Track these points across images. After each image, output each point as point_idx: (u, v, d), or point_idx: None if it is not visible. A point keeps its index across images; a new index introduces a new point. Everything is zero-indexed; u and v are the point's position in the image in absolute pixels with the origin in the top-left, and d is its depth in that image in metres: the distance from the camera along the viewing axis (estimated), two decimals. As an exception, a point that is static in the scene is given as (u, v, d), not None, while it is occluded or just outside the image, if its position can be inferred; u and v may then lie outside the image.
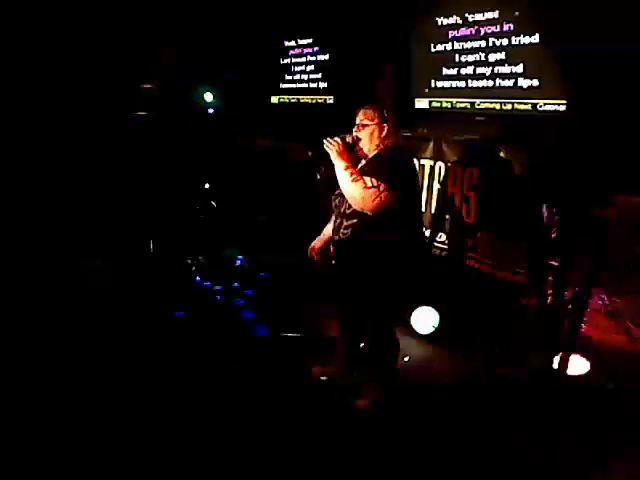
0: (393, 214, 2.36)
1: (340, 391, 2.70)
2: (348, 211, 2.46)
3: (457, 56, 3.64)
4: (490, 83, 3.44)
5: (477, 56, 3.50)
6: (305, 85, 5.16)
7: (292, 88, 5.33)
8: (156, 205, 4.62)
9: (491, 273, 3.33)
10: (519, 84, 3.26)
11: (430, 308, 3.44)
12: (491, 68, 3.42)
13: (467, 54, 3.57)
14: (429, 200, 3.78)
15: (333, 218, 2.65)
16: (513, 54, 3.27)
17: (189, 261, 4.50)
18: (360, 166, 2.52)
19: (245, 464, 2.22)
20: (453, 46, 3.66)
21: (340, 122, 2.78)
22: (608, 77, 2.75)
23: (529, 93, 3.21)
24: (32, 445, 2.23)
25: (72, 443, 2.27)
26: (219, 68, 5.63)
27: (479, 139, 3.46)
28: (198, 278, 4.21)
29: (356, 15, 4.40)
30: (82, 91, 4.99)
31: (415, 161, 3.35)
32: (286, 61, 5.36)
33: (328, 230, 2.77)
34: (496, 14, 3.34)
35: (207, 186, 5.43)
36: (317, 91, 5.01)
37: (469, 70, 3.57)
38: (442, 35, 3.72)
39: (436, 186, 3.74)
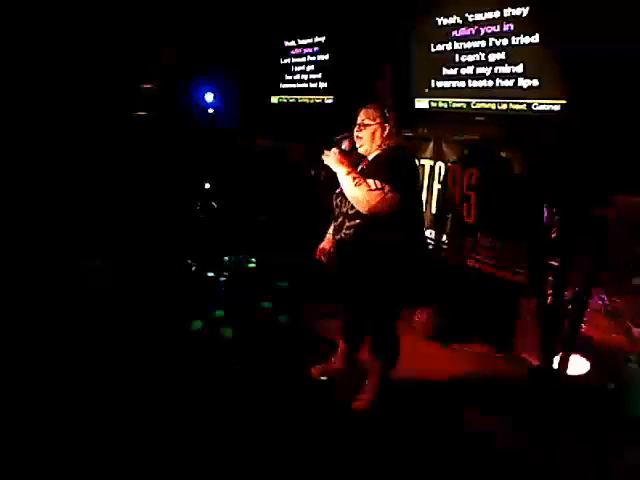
0: (396, 214, 2.36)
1: (340, 391, 2.70)
2: (351, 211, 2.46)
3: (457, 56, 3.64)
4: (490, 83, 3.44)
5: (477, 56, 3.50)
6: (305, 85, 5.16)
7: (292, 88, 5.33)
8: (156, 205, 4.62)
9: (491, 273, 3.33)
10: (519, 84, 3.26)
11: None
12: (491, 68, 3.42)
13: (467, 54, 3.57)
14: (429, 200, 3.78)
15: (334, 218, 2.65)
16: (513, 54, 3.27)
17: (189, 261, 4.50)
18: (361, 167, 2.52)
19: (245, 464, 2.22)
20: (453, 46, 3.66)
21: (340, 122, 2.79)
22: (608, 77, 2.75)
23: (529, 93, 3.21)
24: (32, 445, 2.23)
25: (72, 443, 2.27)
26: (219, 68, 5.63)
27: (479, 139, 3.46)
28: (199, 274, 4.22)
29: (356, 15, 4.40)
30: (82, 91, 4.99)
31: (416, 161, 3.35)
32: (286, 61, 5.36)
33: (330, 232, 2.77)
34: (496, 14, 3.34)
35: (207, 186, 5.43)
36: (317, 91, 5.01)
37: (469, 70, 3.57)
38: (442, 35, 3.72)
39: (436, 186, 3.74)
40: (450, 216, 3.65)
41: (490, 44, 3.40)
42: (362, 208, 2.38)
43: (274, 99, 5.58)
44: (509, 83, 3.32)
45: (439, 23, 3.73)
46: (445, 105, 3.78)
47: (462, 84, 3.64)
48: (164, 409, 2.52)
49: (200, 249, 4.61)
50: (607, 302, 2.85)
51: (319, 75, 4.98)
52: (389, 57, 4.23)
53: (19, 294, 3.50)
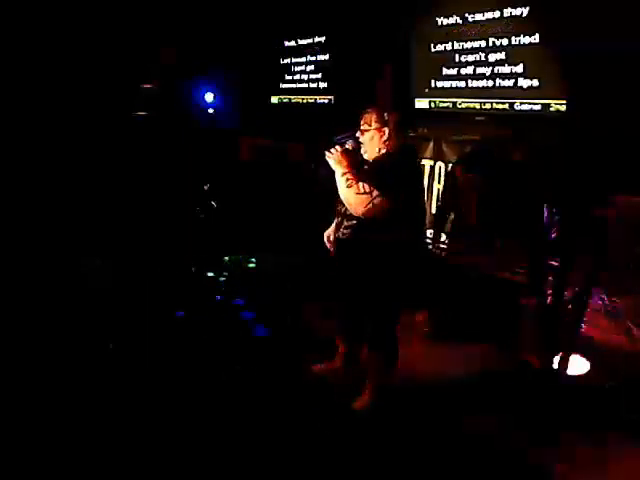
0: (391, 216, 2.35)
1: (340, 391, 2.70)
2: (348, 212, 2.47)
3: (457, 56, 3.64)
4: (490, 83, 3.44)
5: (477, 56, 3.50)
6: (305, 85, 5.16)
7: (292, 88, 5.33)
8: (156, 205, 4.62)
9: (491, 273, 3.33)
10: (519, 84, 3.26)
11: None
12: (491, 68, 3.42)
13: (467, 54, 3.57)
14: (429, 200, 3.78)
15: (335, 216, 2.66)
16: (513, 54, 3.27)
17: (189, 261, 4.51)
18: (362, 169, 2.53)
19: (244, 464, 2.22)
20: (453, 46, 3.66)
21: (340, 122, 2.79)
22: (608, 77, 2.75)
23: (529, 93, 3.21)
24: (32, 445, 2.23)
25: (72, 443, 2.27)
26: (219, 68, 5.63)
27: (479, 139, 3.46)
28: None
29: (356, 15, 4.40)
30: (82, 91, 4.99)
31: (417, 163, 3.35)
32: (286, 61, 5.36)
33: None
34: (496, 14, 3.34)
35: (207, 186, 5.43)
36: (317, 91, 5.01)
37: (469, 70, 3.57)
38: (442, 35, 3.72)
39: (436, 186, 3.74)
40: (450, 216, 3.65)
41: (490, 44, 3.40)
42: (351, 210, 2.41)
43: (274, 99, 5.58)
44: (509, 83, 3.32)
45: (439, 23, 3.73)
46: (445, 105, 3.78)
47: (462, 84, 3.64)
48: (164, 409, 2.52)
49: (200, 249, 4.61)
50: (607, 302, 2.85)
51: (319, 75, 4.98)
52: (389, 57, 4.23)
53: (19, 293, 3.50)
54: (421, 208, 2.74)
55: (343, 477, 2.21)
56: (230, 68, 5.65)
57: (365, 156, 2.53)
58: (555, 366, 2.82)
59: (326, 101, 4.91)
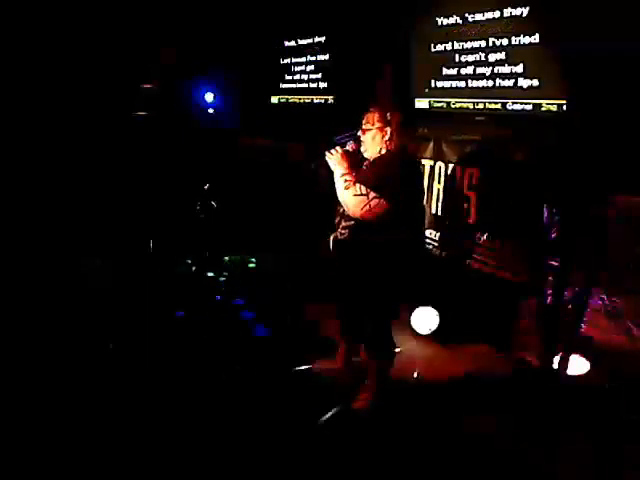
0: (388, 217, 2.35)
1: (340, 391, 2.70)
2: (346, 212, 2.47)
3: (457, 56, 3.64)
4: (490, 83, 3.44)
5: (477, 56, 3.50)
6: (305, 85, 5.16)
7: (292, 88, 5.33)
8: (156, 205, 4.62)
9: (491, 273, 3.33)
10: (519, 84, 3.25)
11: (431, 309, 3.44)
12: (491, 68, 3.42)
13: (467, 54, 3.57)
14: (429, 200, 3.78)
15: (335, 216, 2.66)
16: (513, 54, 3.27)
17: (189, 261, 4.51)
18: (361, 169, 2.53)
19: (244, 464, 2.22)
20: (453, 46, 3.66)
21: (340, 122, 2.79)
22: (608, 77, 2.75)
23: (529, 93, 3.21)
24: (31, 444, 2.23)
25: (71, 443, 2.26)
26: (219, 68, 5.63)
27: (479, 139, 3.46)
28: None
29: (356, 15, 4.40)
30: (82, 91, 4.99)
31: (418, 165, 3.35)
32: (286, 61, 5.36)
33: None
34: (496, 14, 3.33)
35: (207, 186, 5.43)
36: (317, 91, 5.01)
37: (469, 70, 3.57)
38: (442, 35, 3.72)
39: (436, 186, 3.74)
40: (450, 216, 3.65)
41: (490, 44, 3.40)
42: (348, 211, 2.42)
43: (274, 99, 5.58)
44: (509, 83, 3.32)
45: (439, 23, 3.73)
46: (445, 105, 3.78)
47: (462, 84, 3.64)
48: (164, 408, 2.52)
49: (200, 249, 4.61)
50: (607, 302, 2.85)
51: (319, 75, 4.97)
52: (389, 57, 4.23)
53: (19, 294, 3.50)
54: (420, 209, 2.74)
55: (343, 477, 2.21)
56: (230, 68, 5.65)
57: (365, 155, 2.53)
58: (555, 366, 2.82)
59: (326, 101, 4.91)
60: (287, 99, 5.44)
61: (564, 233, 2.97)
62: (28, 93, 4.80)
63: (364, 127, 2.49)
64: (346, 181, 2.39)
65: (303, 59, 5.14)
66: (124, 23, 5.19)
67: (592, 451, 2.33)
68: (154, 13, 5.29)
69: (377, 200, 2.31)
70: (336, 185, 2.46)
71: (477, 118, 3.55)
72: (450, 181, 3.61)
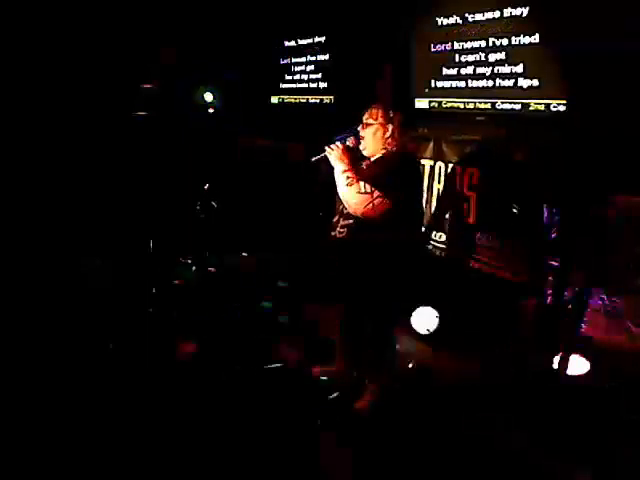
0: (389, 217, 2.35)
1: (340, 391, 2.70)
2: (345, 211, 2.46)
3: (457, 56, 3.64)
4: (490, 83, 3.44)
5: (477, 56, 3.50)
6: (305, 85, 5.16)
7: (292, 88, 5.33)
8: (156, 205, 4.62)
9: (491, 273, 3.33)
10: (519, 84, 3.26)
11: (431, 310, 3.44)
12: (491, 68, 3.42)
13: (467, 54, 3.57)
14: (429, 200, 3.78)
15: (334, 214, 2.65)
16: (513, 54, 3.27)
17: (189, 261, 4.50)
18: (361, 167, 2.52)
19: (244, 464, 2.22)
20: (453, 46, 3.66)
21: (340, 122, 2.78)
22: (608, 77, 2.75)
23: (529, 93, 3.21)
24: (31, 444, 2.23)
25: (71, 443, 2.26)
26: (219, 68, 5.63)
27: (479, 139, 3.46)
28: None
29: (356, 15, 4.40)
30: (82, 91, 4.99)
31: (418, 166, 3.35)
32: (286, 61, 5.36)
33: None
34: (496, 14, 3.34)
35: (207, 186, 5.43)
36: (317, 91, 5.01)
37: (469, 70, 3.57)
38: (442, 35, 3.72)
39: (436, 186, 3.74)
40: (450, 216, 3.65)
41: (490, 44, 3.40)
42: (349, 209, 2.39)
43: (274, 99, 5.58)
44: (509, 83, 3.32)
45: (439, 23, 3.73)
46: (445, 105, 3.78)
47: (462, 84, 3.64)
48: (164, 409, 2.52)
49: (200, 248, 4.61)
50: (607, 302, 2.85)
51: (319, 75, 4.97)
52: (389, 57, 4.23)
53: (19, 294, 3.50)
54: (420, 209, 2.74)
55: (343, 477, 2.21)
56: (230, 68, 5.65)
57: (364, 152, 2.52)
58: (555, 366, 2.82)
59: (326, 101, 4.91)
60: (287, 99, 5.44)
61: (564, 233, 2.97)
62: (29, 93, 4.80)
63: (366, 122, 2.48)
64: (348, 178, 2.38)
65: (303, 59, 5.14)
66: (124, 23, 5.19)
67: (592, 451, 2.33)
68: (154, 13, 5.29)
69: (381, 199, 2.30)
70: (337, 181, 2.44)
71: (477, 118, 3.55)
72: (450, 181, 3.61)
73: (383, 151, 2.48)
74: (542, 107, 3.15)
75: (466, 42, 3.56)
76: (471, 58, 3.55)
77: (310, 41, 5.01)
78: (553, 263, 3.00)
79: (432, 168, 3.76)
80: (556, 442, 2.41)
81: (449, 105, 3.76)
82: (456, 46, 3.64)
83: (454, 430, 2.48)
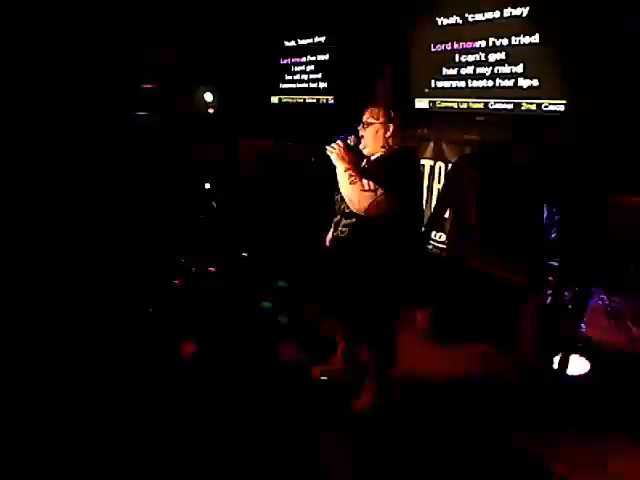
0: (392, 215, 2.35)
1: (340, 391, 2.70)
2: (347, 210, 2.46)
3: (457, 56, 3.64)
4: (490, 83, 3.44)
5: (477, 56, 3.50)
6: (305, 85, 5.16)
7: (292, 88, 5.33)
8: (156, 205, 4.62)
9: (491, 273, 3.33)
10: (519, 84, 3.26)
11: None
12: (491, 68, 3.42)
13: (467, 54, 3.57)
14: (429, 200, 3.78)
15: (334, 214, 2.65)
16: (513, 54, 3.27)
17: (188, 261, 4.50)
18: (362, 166, 2.52)
19: (244, 464, 2.22)
20: (453, 46, 3.66)
21: (340, 122, 2.78)
22: (608, 77, 2.75)
23: (529, 93, 3.21)
24: (32, 444, 2.23)
25: (71, 442, 2.27)
26: (219, 68, 5.63)
27: (479, 139, 3.46)
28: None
29: (356, 15, 4.40)
30: (82, 91, 4.99)
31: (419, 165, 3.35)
32: (286, 61, 5.36)
33: None
34: (496, 14, 3.34)
35: (207, 186, 5.43)
36: (317, 91, 5.01)
37: (469, 70, 3.57)
38: (442, 35, 3.72)
39: (436, 186, 3.74)
40: (450, 216, 3.65)
41: (490, 44, 3.40)
42: (353, 207, 2.38)
43: (274, 99, 5.58)
44: (509, 83, 3.32)
45: (439, 23, 3.73)
46: (445, 105, 3.78)
47: (462, 84, 3.64)
48: (164, 408, 2.52)
49: (200, 249, 4.61)
50: (607, 302, 2.85)
51: (319, 75, 4.97)
52: (389, 57, 4.23)
53: (19, 294, 3.49)
54: (421, 209, 2.74)
55: (343, 477, 2.21)
56: (230, 68, 5.65)
57: (365, 151, 2.52)
58: (555, 366, 2.82)
59: (326, 101, 4.91)
60: (287, 99, 5.44)
61: (564, 233, 2.97)
62: (29, 93, 4.80)
63: (368, 120, 2.47)
64: (351, 176, 2.37)
65: (303, 59, 5.14)
66: (124, 23, 5.19)
67: (592, 451, 2.33)
68: (154, 13, 5.29)
69: (385, 196, 2.30)
70: (339, 180, 2.43)
71: (477, 118, 3.55)
72: (450, 181, 3.61)
73: (384, 150, 2.48)
74: (542, 107, 3.15)
75: (466, 42, 3.57)
76: (471, 58, 3.55)
77: (310, 41, 5.01)
78: (553, 263, 3.00)
79: (432, 168, 3.76)
80: (556, 442, 2.41)
81: (449, 105, 3.76)
82: (456, 46, 3.64)
83: (454, 430, 2.48)
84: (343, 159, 2.42)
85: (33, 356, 2.86)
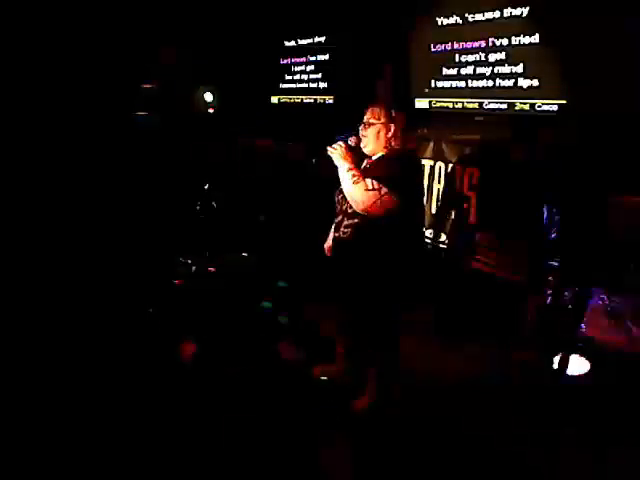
0: (394, 216, 2.35)
1: (340, 391, 2.70)
2: (350, 210, 2.45)
3: (457, 56, 3.64)
4: (490, 83, 3.44)
5: (477, 56, 3.50)
6: (305, 85, 5.16)
7: (292, 88, 5.34)
8: (156, 205, 4.62)
9: (491, 273, 3.33)
10: (519, 84, 3.26)
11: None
12: (491, 68, 3.42)
13: (467, 54, 3.57)
14: (429, 200, 3.78)
15: (335, 215, 2.64)
16: (513, 54, 3.27)
17: (188, 261, 4.50)
18: (363, 166, 2.52)
19: (244, 464, 2.22)
20: (453, 46, 3.66)
21: (340, 122, 2.78)
22: (608, 77, 2.75)
23: (529, 93, 3.21)
24: (31, 444, 2.24)
25: (71, 442, 2.27)
26: (219, 68, 5.63)
27: (479, 139, 3.46)
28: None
29: (356, 15, 4.41)
30: (82, 91, 4.99)
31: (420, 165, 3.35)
32: (286, 61, 5.36)
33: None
34: (496, 14, 3.34)
35: (207, 186, 5.43)
36: (317, 91, 5.01)
37: (469, 70, 3.57)
38: (442, 35, 3.72)
39: (436, 186, 3.74)
40: (450, 216, 3.65)
41: (490, 44, 3.40)
42: (357, 207, 2.37)
43: (274, 99, 5.58)
44: (509, 83, 3.32)
45: (439, 23, 3.73)
46: (445, 105, 3.78)
47: (462, 84, 3.64)
48: (163, 408, 2.52)
49: (200, 249, 4.61)
50: (607, 302, 2.85)
51: (319, 75, 4.98)
52: (389, 57, 4.23)
53: (19, 295, 3.49)
54: (422, 208, 2.75)
55: (343, 477, 2.21)
56: (230, 68, 5.65)
57: (366, 151, 2.52)
58: (555, 366, 2.82)
59: (326, 101, 4.91)
60: (287, 99, 5.44)
61: (564, 233, 2.97)
62: (29, 93, 4.80)
63: (369, 121, 2.47)
64: (354, 176, 2.37)
65: (303, 59, 5.15)
66: (124, 23, 5.19)
67: (592, 451, 2.33)
68: (154, 13, 5.29)
69: (389, 196, 2.30)
70: (342, 180, 2.43)
71: (477, 118, 3.55)
72: (450, 181, 3.61)
73: (385, 150, 2.48)
74: (542, 107, 3.15)
75: (466, 42, 3.57)
76: (471, 58, 3.55)
77: (310, 41, 5.01)
78: (553, 263, 3.00)
79: (432, 168, 3.76)
80: (556, 442, 2.41)
81: (449, 105, 3.76)
82: (456, 46, 3.64)
83: (454, 430, 2.48)
84: (345, 159, 2.42)
85: (33, 356, 2.86)
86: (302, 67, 5.17)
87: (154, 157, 4.89)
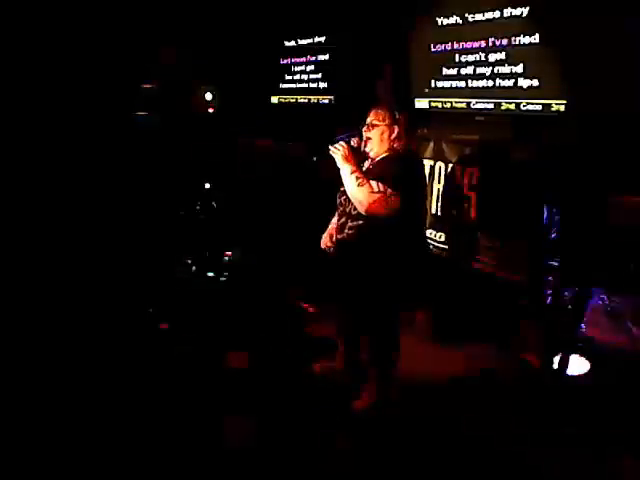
0: (398, 217, 2.35)
1: (340, 391, 2.70)
2: (354, 212, 2.45)
3: (457, 56, 3.64)
4: (490, 83, 3.44)
5: (477, 56, 3.50)
6: (305, 85, 5.16)
7: (292, 88, 5.33)
8: (156, 205, 4.62)
9: (491, 273, 3.33)
10: (519, 84, 3.26)
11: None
12: (491, 68, 3.42)
13: (467, 54, 3.57)
14: (429, 200, 3.78)
15: (337, 216, 2.64)
16: (513, 54, 3.27)
17: (189, 261, 4.50)
18: (366, 167, 2.52)
19: (244, 464, 2.22)
20: (453, 46, 3.66)
21: (340, 122, 2.78)
22: (608, 77, 2.75)
23: (529, 93, 3.21)
24: (32, 444, 2.24)
25: (71, 442, 2.27)
26: (219, 68, 5.63)
27: (479, 139, 3.46)
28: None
29: (356, 15, 4.40)
30: (82, 91, 4.99)
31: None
32: (286, 61, 5.36)
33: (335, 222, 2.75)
34: (496, 14, 3.34)
35: (207, 186, 5.43)
36: (317, 91, 5.01)
37: (469, 70, 3.57)
38: (442, 35, 3.72)
39: (436, 186, 3.74)
40: (450, 216, 3.65)
41: (490, 44, 3.40)
42: (361, 209, 2.37)
43: (274, 99, 5.58)
44: (509, 83, 3.32)
45: (439, 23, 3.73)
46: (445, 105, 3.78)
47: (462, 84, 3.64)
48: (163, 407, 2.52)
49: (200, 249, 4.61)
50: (607, 302, 2.85)
51: (319, 75, 4.97)
52: (389, 57, 4.23)
53: (19, 295, 3.49)
54: (424, 209, 2.75)
55: (343, 477, 2.21)
56: (230, 68, 5.65)
57: (369, 152, 2.51)
58: (555, 366, 2.82)
59: (326, 101, 4.91)
60: (287, 99, 5.44)
61: (564, 233, 2.97)
62: (29, 93, 4.80)
63: (373, 122, 2.46)
64: (358, 178, 2.37)
65: (303, 59, 5.14)
66: (124, 23, 5.19)
67: (592, 451, 2.33)
68: (154, 13, 5.29)
69: (394, 197, 2.30)
70: (346, 182, 2.41)
71: (477, 118, 3.55)
72: (450, 181, 3.61)
73: (389, 152, 2.48)
74: (542, 107, 3.15)
75: (466, 42, 3.56)
76: (471, 58, 3.55)
77: (310, 41, 5.01)
78: (553, 263, 3.00)
79: (432, 168, 3.76)
80: (556, 442, 2.41)
81: (449, 105, 3.76)
82: (456, 46, 3.64)
83: (454, 430, 2.48)
84: (348, 160, 2.41)
85: (33, 357, 2.86)
86: (302, 67, 5.17)
87: (154, 157, 4.89)
